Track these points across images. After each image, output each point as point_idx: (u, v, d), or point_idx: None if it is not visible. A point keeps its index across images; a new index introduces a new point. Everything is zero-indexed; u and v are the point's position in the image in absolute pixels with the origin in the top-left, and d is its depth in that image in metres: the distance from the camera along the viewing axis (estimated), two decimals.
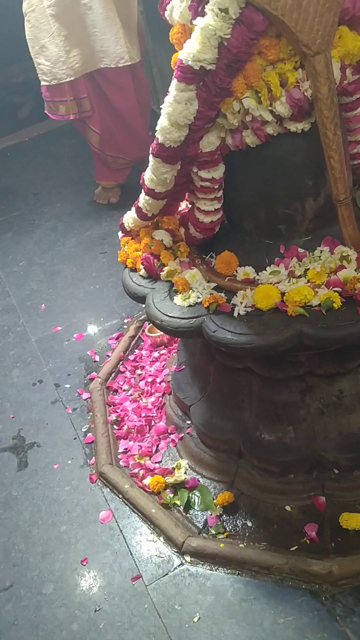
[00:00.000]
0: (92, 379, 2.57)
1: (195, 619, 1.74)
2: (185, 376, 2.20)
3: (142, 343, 2.69)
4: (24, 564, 1.99)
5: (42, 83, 3.18)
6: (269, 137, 1.51)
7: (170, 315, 1.67)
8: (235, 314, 1.59)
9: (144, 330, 2.72)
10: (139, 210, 1.77)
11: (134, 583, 1.86)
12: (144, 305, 1.78)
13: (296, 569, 1.74)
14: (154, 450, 2.19)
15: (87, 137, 3.48)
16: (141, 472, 2.12)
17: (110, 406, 2.42)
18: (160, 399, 2.36)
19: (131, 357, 2.63)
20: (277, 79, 1.42)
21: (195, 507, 1.98)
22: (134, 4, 3.13)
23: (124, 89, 3.26)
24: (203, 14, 1.36)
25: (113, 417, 2.36)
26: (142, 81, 3.40)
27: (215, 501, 1.96)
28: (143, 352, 2.63)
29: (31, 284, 3.27)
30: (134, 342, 2.69)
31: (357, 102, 1.55)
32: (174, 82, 1.44)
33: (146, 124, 3.49)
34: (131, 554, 1.93)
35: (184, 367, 2.22)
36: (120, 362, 2.61)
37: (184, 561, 1.87)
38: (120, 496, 2.09)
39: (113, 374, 2.57)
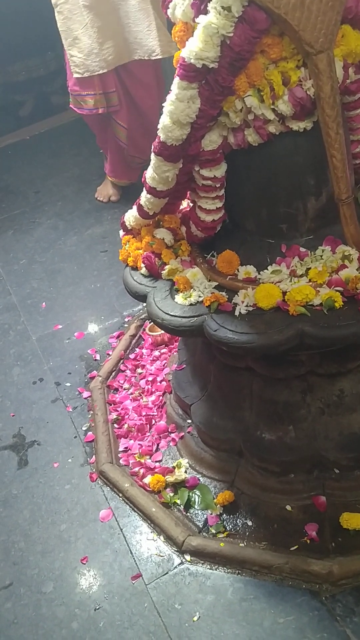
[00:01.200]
0: (92, 378, 2.57)
1: (195, 618, 1.74)
2: (186, 375, 2.19)
3: (143, 342, 2.69)
4: (24, 562, 1.99)
5: (75, 75, 3.13)
6: (271, 136, 1.51)
7: (171, 314, 1.66)
8: (237, 313, 1.58)
9: (144, 329, 2.72)
10: (140, 209, 1.77)
11: (133, 582, 1.86)
12: (144, 304, 1.78)
13: (296, 568, 1.74)
14: (154, 449, 2.19)
15: (113, 133, 3.41)
16: (141, 471, 2.11)
17: (111, 405, 2.42)
18: (161, 397, 2.36)
19: (132, 356, 2.62)
20: (279, 78, 1.42)
21: (196, 506, 1.98)
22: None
23: (148, 85, 3.23)
24: (206, 12, 1.36)
25: (113, 415, 2.36)
26: (160, 78, 3.37)
27: (215, 500, 1.95)
28: (144, 350, 2.63)
29: (32, 283, 3.27)
30: (134, 340, 2.69)
31: None
32: (176, 80, 1.44)
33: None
34: (131, 552, 1.93)
35: (184, 366, 2.22)
36: (121, 361, 2.60)
37: (184, 560, 1.87)
38: (121, 495, 2.08)
39: (114, 373, 2.56)
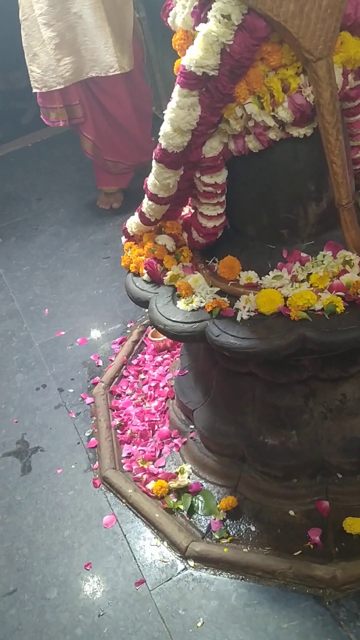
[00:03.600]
0: (95, 384, 2.58)
1: (199, 624, 1.73)
2: (189, 380, 2.20)
3: (146, 347, 2.69)
4: (28, 568, 1.99)
5: (34, 90, 3.23)
6: (271, 143, 1.51)
7: (174, 319, 1.67)
8: (238, 319, 1.59)
9: (147, 335, 2.72)
10: (142, 215, 1.78)
11: (137, 588, 1.86)
12: (147, 310, 1.79)
13: (300, 573, 1.74)
14: (157, 455, 2.19)
15: (81, 144, 3.49)
16: (145, 476, 2.12)
17: (114, 411, 2.42)
18: (164, 403, 2.36)
19: (134, 362, 2.63)
20: (279, 85, 1.43)
21: (199, 512, 1.98)
22: (129, 14, 3.13)
23: (117, 96, 3.28)
24: (206, 20, 1.37)
25: (116, 421, 2.36)
26: (140, 88, 3.40)
27: (218, 506, 1.95)
28: (146, 356, 2.64)
29: (35, 289, 3.28)
30: (137, 346, 2.70)
31: (359, 108, 1.56)
32: (177, 88, 1.45)
33: (146, 130, 3.49)
34: (135, 558, 1.93)
35: (187, 371, 2.23)
36: (124, 367, 2.61)
37: (187, 566, 1.87)
38: (124, 501, 2.09)
39: (116, 379, 2.57)
